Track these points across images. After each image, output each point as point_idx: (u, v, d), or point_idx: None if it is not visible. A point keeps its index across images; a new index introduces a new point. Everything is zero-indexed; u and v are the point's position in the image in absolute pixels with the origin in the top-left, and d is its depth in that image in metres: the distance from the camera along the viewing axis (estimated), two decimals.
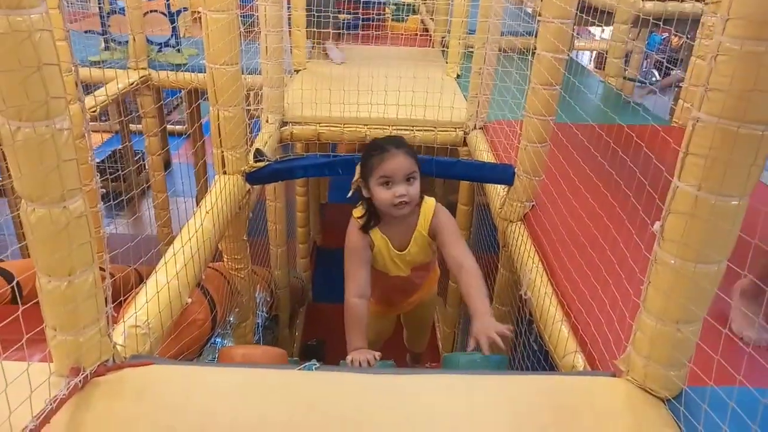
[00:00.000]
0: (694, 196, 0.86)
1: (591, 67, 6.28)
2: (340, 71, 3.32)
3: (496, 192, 2.11)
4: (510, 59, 2.51)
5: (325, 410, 1.02)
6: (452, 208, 3.33)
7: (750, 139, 0.80)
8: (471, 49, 2.83)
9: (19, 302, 0.91)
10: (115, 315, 1.14)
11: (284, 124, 2.75)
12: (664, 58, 4.57)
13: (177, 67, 3.74)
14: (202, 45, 1.78)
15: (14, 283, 1.74)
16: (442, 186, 4.08)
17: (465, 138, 2.78)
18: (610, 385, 1.09)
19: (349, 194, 1.67)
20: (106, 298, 1.03)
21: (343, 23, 4.17)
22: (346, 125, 2.75)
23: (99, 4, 3.91)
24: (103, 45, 3.93)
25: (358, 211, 1.66)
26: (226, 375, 1.14)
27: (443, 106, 2.70)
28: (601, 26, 4.17)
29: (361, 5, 4.25)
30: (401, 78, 2.65)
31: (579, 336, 1.34)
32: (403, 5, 5.26)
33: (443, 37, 4.11)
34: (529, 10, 4.60)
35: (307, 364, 1.15)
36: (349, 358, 1.48)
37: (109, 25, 3.87)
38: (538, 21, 1.66)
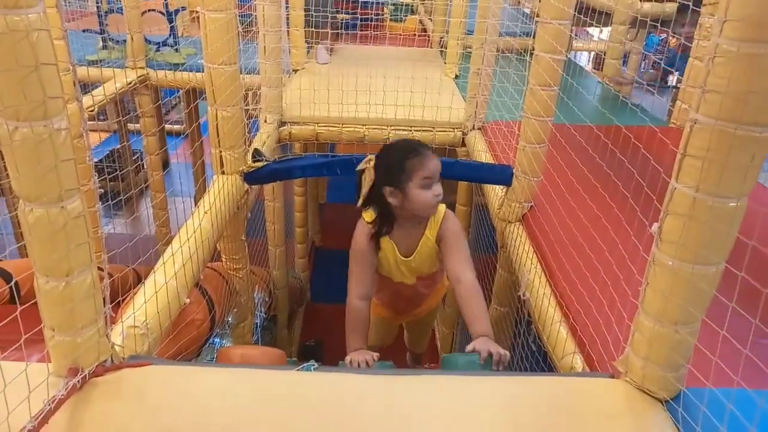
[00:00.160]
0: (691, 197, 0.86)
1: (589, 67, 6.29)
2: (339, 71, 3.31)
3: (495, 193, 2.11)
4: (508, 60, 2.51)
5: (323, 411, 1.02)
6: (451, 209, 3.34)
7: (747, 140, 0.80)
8: (469, 50, 2.83)
9: (17, 302, 0.91)
10: (114, 315, 1.14)
11: (282, 124, 2.75)
12: (661, 59, 4.57)
13: (175, 67, 3.74)
14: (201, 44, 1.78)
15: (12, 283, 1.74)
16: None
17: (463, 138, 2.78)
18: (609, 387, 1.09)
19: (359, 203, 1.61)
20: (104, 299, 1.03)
21: (342, 23, 4.17)
22: (344, 125, 2.76)
23: (97, 3, 3.90)
24: (101, 44, 3.92)
25: (368, 216, 1.61)
26: (225, 375, 1.14)
27: (442, 107, 2.70)
28: (599, 27, 4.18)
29: (360, 5, 4.26)
30: (400, 78, 2.65)
31: (578, 337, 1.35)
32: (402, 5, 5.26)
33: (441, 38, 4.11)
34: (527, 11, 4.60)
35: (305, 364, 1.15)
36: (348, 358, 1.48)
37: (107, 24, 3.86)
38: (536, 22, 1.66)
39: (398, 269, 1.67)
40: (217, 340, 2.28)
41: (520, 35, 2.70)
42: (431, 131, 2.77)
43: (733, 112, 0.80)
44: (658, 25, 2.50)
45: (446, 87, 3.21)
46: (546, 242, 1.69)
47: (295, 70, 3.51)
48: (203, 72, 1.83)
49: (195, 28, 4.35)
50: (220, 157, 1.94)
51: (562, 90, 1.71)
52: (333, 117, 2.73)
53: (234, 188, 1.94)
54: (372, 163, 1.59)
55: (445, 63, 3.67)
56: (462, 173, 2.12)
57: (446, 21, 3.77)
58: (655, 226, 0.96)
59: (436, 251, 1.64)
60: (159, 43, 3.91)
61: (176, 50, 3.95)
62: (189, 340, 1.62)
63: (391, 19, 5.08)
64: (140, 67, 3.69)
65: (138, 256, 1.34)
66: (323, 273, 4.87)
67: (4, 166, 0.86)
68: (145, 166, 4.78)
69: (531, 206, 1.89)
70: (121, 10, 3.56)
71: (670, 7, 3.35)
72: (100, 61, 3.72)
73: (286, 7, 3.16)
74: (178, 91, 5.31)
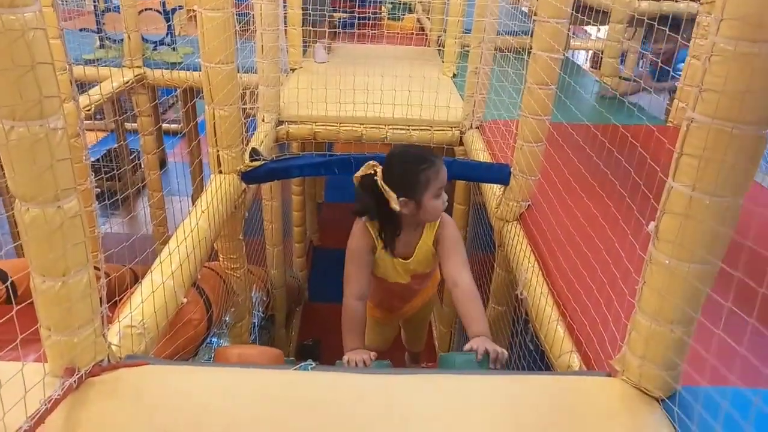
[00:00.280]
0: (688, 196, 0.87)
1: (587, 66, 6.29)
2: (336, 70, 3.31)
3: (492, 191, 2.11)
4: (506, 58, 2.51)
5: (321, 410, 1.02)
6: (448, 208, 3.34)
7: (744, 139, 0.80)
8: (467, 49, 2.83)
9: (14, 302, 0.91)
10: (110, 315, 1.14)
11: (280, 123, 2.75)
12: (659, 59, 4.57)
13: (172, 66, 3.73)
14: (198, 43, 1.78)
15: (9, 282, 1.74)
16: None
17: (461, 137, 2.78)
18: (605, 385, 1.09)
19: (365, 217, 1.60)
20: (101, 298, 1.03)
21: (339, 22, 4.16)
22: (342, 124, 2.75)
23: (94, 2, 3.89)
24: (98, 43, 3.91)
25: (372, 226, 1.60)
26: (222, 375, 1.13)
27: (439, 106, 2.70)
28: (597, 26, 4.18)
29: (357, 4, 4.25)
30: (397, 77, 2.65)
31: (574, 336, 1.35)
32: (400, 4, 5.26)
33: (439, 36, 4.11)
34: (525, 10, 4.60)
35: (303, 364, 1.15)
36: (345, 358, 1.48)
37: (104, 23, 3.85)
38: (534, 20, 1.66)
39: (395, 270, 1.67)
40: (214, 339, 2.28)
41: (518, 34, 2.69)
42: (429, 130, 2.77)
43: (730, 111, 0.80)
44: (656, 23, 2.51)
45: (444, 86, 3.20)
46: (543, 241, 1.69)
47: (293, 69, 3.50)
48: (200, 71, 1.83)
49: (192, 26, 4.34)
50: (218, 156, 1.94)
51: (559, 89, 1.71)
52: (331, 116, 2.73)
53: (231, 187, 1.94)
54: (379, 172, 1.54)
55: (443, 62, 3.67)
56: (460, 172, 2.12)
57: (444, 20, 3.76)
58: (651, 225, 0.96)
59: (432, 253, 1.65)
60: (156, 42, 3.90)
61: (173, 49, 3.94)
62: (186, 340, 1.61)
63: (388, 18, 5.08)
64: (137, 66, 3.68)
65: (135, 255, 1.34)
66: (321, 272, 4.87)
67: (0, 165, 0.85)
68: (142, 166, 4.77)
69: (528, 205, 1.89)
70: (118, 8, 3.55)
71: (668, 6, 3.36)
72: (97, 60, 3.72)
73: (284, 6, 3.15)
74: (176, 90, 5.31)
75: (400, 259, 1.65)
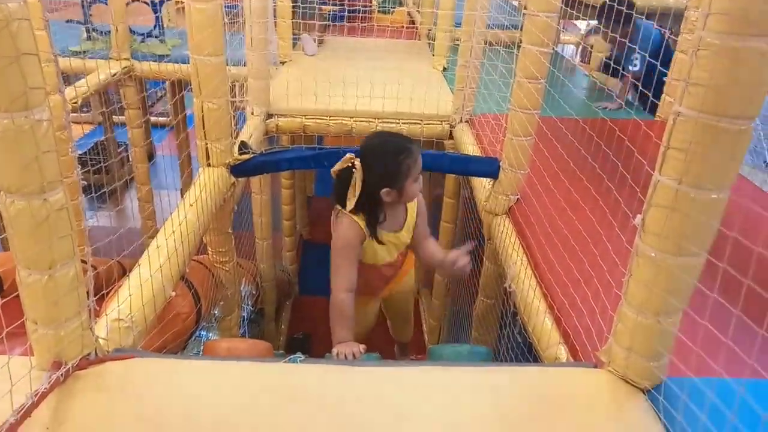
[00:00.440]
0: (674, 189, 0.87)
1: (577, 60, 6.31)
2: (326, 63, 3.30)
3: (482, 185, 2.11)
4: (496, 52, 2.51)
5: (310, 403, 1.03)
6: (438, 202, 3.35)
7: (729, 133, 0.81)
8: (457, 42, 2.82)
9: None
10: (98, 308, 1.13)
11: (269, 116, 2.74)
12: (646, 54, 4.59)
13: (160, 58, 3.70)
14: (186, 35, 1.76)
15: None
16: (428, 179, 4.09)
17: (451, 131, 2.78)
18: (592, 377, 1.11)
19: (350, 207, 1.61)
20: (88, 291, 1.02)
21: (329, 15, 4.14)
22: (332, 117, 2.74)
23: None
24: (84, 35, 3.87)
25: (360, 219, 1.62)
26: (210, 368, 1.13)
27: (429, 99, 2.70)
28: (586, 20, 4.19)
29: None
30: (388, 70, 2.64)
31: (562, 328, 1.36)
32: None
33: (430, 30, 4.10)
34: (515, 3, 4.61)
35: (292, 357, 1.15)
36: (334, 350, 1.49)
37: (91, 15, 3.81)
38: (524, 14, 1.66)
39: (385, 249, 1.70)
40: (203, 333, 2.28)
41: (508, 28, 2.70)
42: (419, 124, 2.77)
43: (715, 105, 0.81)
44: (643, 17, 2.52)
45: (434, 79, 3.21)
46: (532, 235, 1.70)
47: (283, 62, 3.49)
48: (189, 63, 1.82)
49: (181, 18, 4.30)
50: (207, 149, 1.93)
51: (548, 83, 1.72)
52: (320, 109, 2.72)
53: (220, 180, 1.93)
54: (357, 165, 1.56)
55: (433, 55, 3.67)
56: (449, 166, 2.12)
57: (434, 13, 3.76)
58: (638, 218, 0.97)
59: (415, 224, 1.75)
60: (144, 33, 3.86)
61: (161, 41, 3.91)
62: (174, 334, 1.61)
63: (379, 11, 5.07)
64: (125, 59, 3.64)
65: (123, 248, 1.33)
66: (311, 266, 4.86)
67: None
68: (130, 159, 4.73)
69: (517, 199, 1.90)
70: (106, 0, 3.51)
71: (658, 1, 3.37)
72: (84, 52, 3.68)
73: None
74: (164, 83, 5.26)
75: (393, 233, 1.70)
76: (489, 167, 1.95)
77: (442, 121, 2.78)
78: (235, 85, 2.39)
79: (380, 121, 2.74)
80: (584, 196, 1.61)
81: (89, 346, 1.06)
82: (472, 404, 1.05)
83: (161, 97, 7.48)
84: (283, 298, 4.23)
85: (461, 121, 2.72)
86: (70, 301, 0.98)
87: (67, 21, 4.11)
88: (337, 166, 1.61)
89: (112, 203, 4.39)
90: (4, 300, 0.89)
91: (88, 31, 3.85)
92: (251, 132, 2.45)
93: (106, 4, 3.53)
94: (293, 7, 3.39)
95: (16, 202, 0.86)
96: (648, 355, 1.01)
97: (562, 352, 1.31)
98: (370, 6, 4.87)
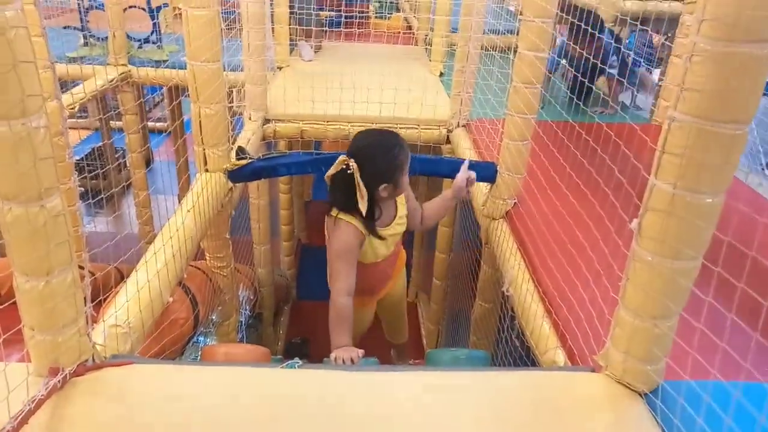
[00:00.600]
0: (670, 194, 0.88)
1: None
2: (324, 68, 3.30)
3: (479, 189, 2.12)
4: (492, 58, 2.52)
5: (308, 408, 1.03)
6: None
7: (724, 138, 0.82)
8: (454, 47, 2.83)
9: None
10: (95, 314, 1.13)
11: (267, 121, 2.74)
12: (642, 58, 4.61)
13: (158, 64, 3.71)
14: (183, 41, 1.77)
15: None
16: (425, 184, 4.09)
17: (448, 136, 2.79)
18: (590, 380, 1.11)
19: (347, 211, 1.63)
20: (85, 298, 1.02)
21: (327, 20, 4.15)
22: (329, 123, 2.75)
23: None
24: (82, 41, 3.88)
25: (357, 220, 1.62)
26: (208, 374, 1.13)
27: (426, 104, 2.70)
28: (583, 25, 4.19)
29: (344, 2, 4.25)
30: (385, 76, 2.65)
31: (560, 332, 1.36)
32: (387, 3, 5.26)
33: (426, 35, 4.12)
34: (512, 9, 4.63)
35: (289, 362, 1.15)
36: (333, 355, 1.48)
37: (88, 21, 3.82)
38: (520, 19, 1.67)
39: (383, 244, 1.71)
40: (201, 338, 2.27)
41: (504, 33, 2.71)
42: (416, 128, 2.77)
43: (710, 110, 0.81)
44: (638, 23, 2.53)
45: (431, 84, 3.22)
46: (529, 239, 1.71)
47: (280, 68, 3.49)
48: (186, 69, 1.82)
49: (178, 24, 4.31)
50: (204, 154, 1.93)
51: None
52: (318, 114, 2.72)
53: (218, 186, 1.93)
54: (354, 165, 1.56)
55: (430, 60, 3.68)
56: (447, 170, 2.12)
57: (431, 18, 3.77)
58: (635, 222, 0.98)
59: (405, 213, 1.78)
60: (141, 39, 3.87)
61: (159, 47, 3.91)
62: (172, 339, 1.61)
63: (376, 17, 5.08)
64: (122, 64, 3.64)
65: (120, 254, 1.33)
66: (309, 270, 4.86)
67: None
68: (127, 164, 4.73)
69: (515, 203, 1.90)
70: (103, 6, 3.52)
71: (653, 6, 3.39)
72: (81, 58, 3.68)
73: (270, 4, 3.14)
74: (161, 88, 5.27)
75: (389, 226, 1.72)
76: (486, 171, 1.95)
77: (439, 126, 2.79)
78: (232, 91, 2.39)
79: (378, 125, 2.74)
80: (581, 200, 1.62)
81: (86, 353, 1.06)
82: (471, 409, 1.05)
83: (158, 102, 7.49)
84: (281, 303, 4.23)
85: (458, 125, 2.73)
86: (68, 308, 0.98)
87: (64, 27, 4.11)
88: (331, 171, 1.62)
89: (109, 209, 4.39)
90: (0, 306, 0.88)
91: (85, 37, 3.86)
92: (249, 137, 2.45)
93: (104, 10, 3.53)
94: (290, 13, 3.40)
95: (14, 209, 0.86)
96: (645, 358, 1.02)
97: (560, 356, 1.31)
98: (367, 12, 4.89)
